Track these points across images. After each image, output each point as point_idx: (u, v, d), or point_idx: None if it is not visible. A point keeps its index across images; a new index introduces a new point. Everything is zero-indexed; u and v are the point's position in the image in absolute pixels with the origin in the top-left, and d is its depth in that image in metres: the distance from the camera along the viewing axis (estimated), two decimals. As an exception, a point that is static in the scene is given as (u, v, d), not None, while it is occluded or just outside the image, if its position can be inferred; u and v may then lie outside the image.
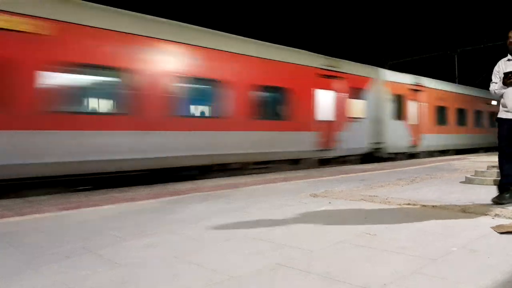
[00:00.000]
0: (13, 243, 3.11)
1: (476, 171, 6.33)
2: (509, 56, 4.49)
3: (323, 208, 4.32)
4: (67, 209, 4.55)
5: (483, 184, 5.80)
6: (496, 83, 4.50)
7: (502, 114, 4.46)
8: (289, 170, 9.72)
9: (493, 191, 4.46)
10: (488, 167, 6.35)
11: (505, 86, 4.37)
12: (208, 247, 2.90)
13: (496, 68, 4.58)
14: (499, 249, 2.67)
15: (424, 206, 4.28)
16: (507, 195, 4.29)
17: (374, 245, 2.81)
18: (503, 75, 4.34)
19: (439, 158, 14.19)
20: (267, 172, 9.29)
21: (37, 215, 4.20)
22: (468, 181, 6.24)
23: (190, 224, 3.66)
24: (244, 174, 8.86)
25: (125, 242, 3.07)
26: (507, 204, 4.17)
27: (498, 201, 4.23)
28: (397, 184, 6.24)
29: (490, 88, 4.57)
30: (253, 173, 9.04)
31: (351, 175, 8.02)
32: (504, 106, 4.45)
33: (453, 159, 12.63)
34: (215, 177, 8.24)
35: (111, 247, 2.92)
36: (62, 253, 2.79)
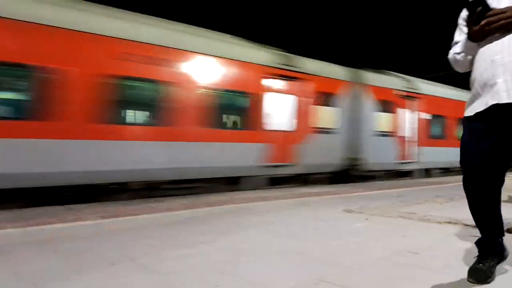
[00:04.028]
0: (58, 248, 3.23)
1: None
2: None
3: (359, 224, 4.25)
4: (105, 217, 4.69)
5: (528, 204, 5.52)
6: (458, 42, 2.34)
7: (468, 110, 2.30)
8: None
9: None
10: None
11: (474, 41, 2.20)
12: (245, 259, 2.90)
13: (462, 16, 2.35)
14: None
15: (466, 225, 4.12)
16: (491, 263, 2.31)
17: (415, 263, 2.74)
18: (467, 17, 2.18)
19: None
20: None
21: (80, 223, 4.35)
22: (510, 200, 5.96)
23: (224, 236, 3.68)
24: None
25: (162, 251, 3.12)
26: None
27: (477, 278, 2.26)
28: (435, 202, 6.05)
29: (450, 55, 2.40)
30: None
31: (386, 191, 7.86)
32: (473, 85, 2.27)
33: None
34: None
35: (149, 256, 2.98)
36: (105, 259, 2.87)
